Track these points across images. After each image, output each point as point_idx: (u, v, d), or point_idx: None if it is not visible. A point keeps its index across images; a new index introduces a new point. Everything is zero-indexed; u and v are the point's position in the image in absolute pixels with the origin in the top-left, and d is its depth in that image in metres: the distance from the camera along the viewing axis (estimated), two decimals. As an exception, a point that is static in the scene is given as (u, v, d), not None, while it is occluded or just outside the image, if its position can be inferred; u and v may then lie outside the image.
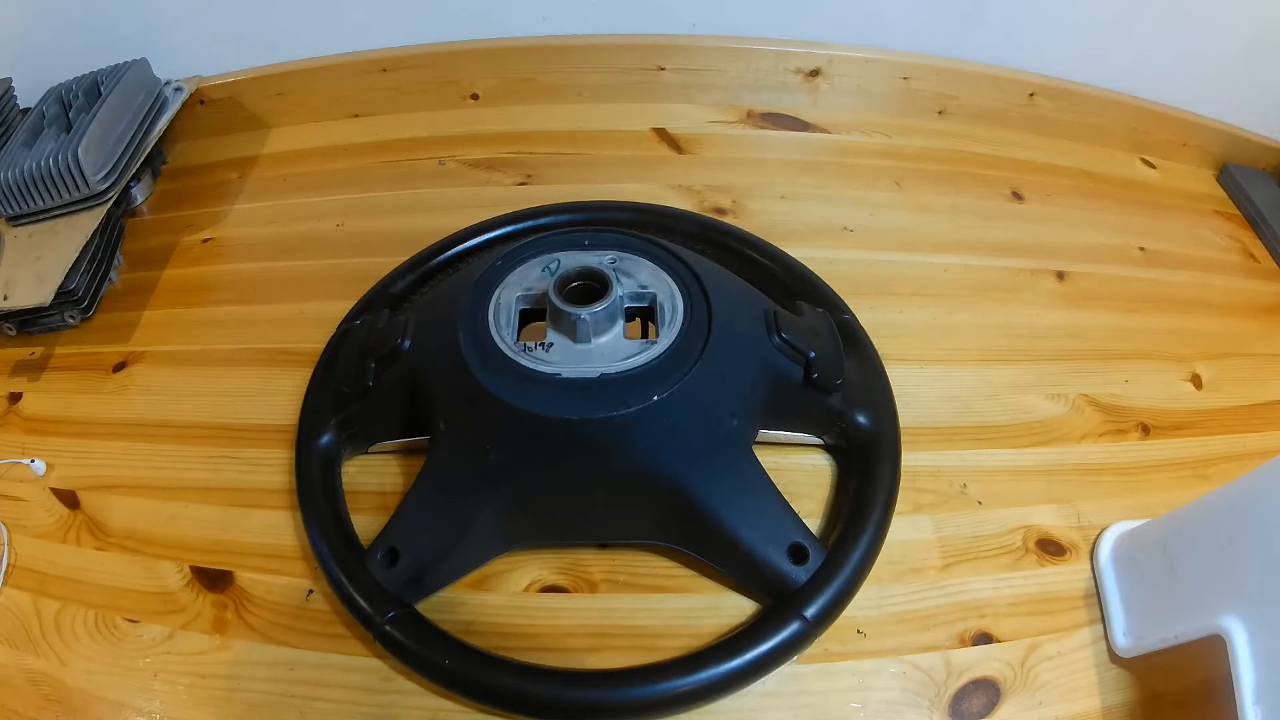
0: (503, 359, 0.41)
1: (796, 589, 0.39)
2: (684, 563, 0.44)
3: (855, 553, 0.41)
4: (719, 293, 0.45)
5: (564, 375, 0.40)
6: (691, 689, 0.37)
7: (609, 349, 0.42)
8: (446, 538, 0.41)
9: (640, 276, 0.46)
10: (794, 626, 0.38)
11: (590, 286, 0.44)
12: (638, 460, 0.40)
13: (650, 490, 0.40)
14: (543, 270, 0.46)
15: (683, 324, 0.43)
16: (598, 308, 0.42)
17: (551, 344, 0.42)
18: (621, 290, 0.44)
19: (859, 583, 0.41)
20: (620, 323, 0.43)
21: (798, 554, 0.40)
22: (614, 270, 0.45)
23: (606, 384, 0.40)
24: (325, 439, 0.46)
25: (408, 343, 0.46)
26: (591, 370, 0.40)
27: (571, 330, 0.42)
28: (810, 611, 0.39)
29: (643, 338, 0.43)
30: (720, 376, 0.42)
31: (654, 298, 0.44)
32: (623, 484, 0.41)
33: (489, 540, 0.42)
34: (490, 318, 0.44)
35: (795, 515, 0.41)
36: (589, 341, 0.42)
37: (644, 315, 0.45)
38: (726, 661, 0.37)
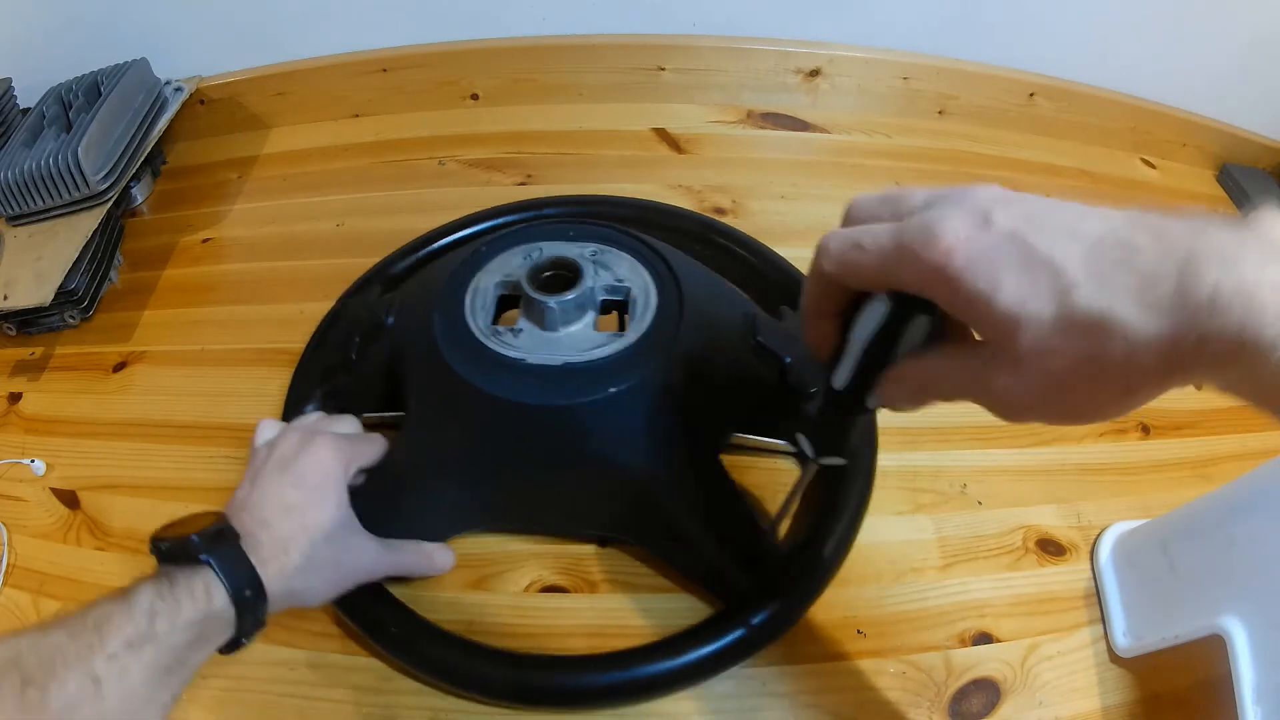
0: (473, 342, 0.42)
1: (747, 595, 0.39)
2: (684, 563, 0.44)
3: (812, 566, 0.41)
4: (695, 291, 0.44)
5: (529, 361, 0.41)
6: (622, 684, 0.38)
7: (577, 339, 0.42)
8: (406, 516, 0.42)
9: (619, 270, 0.45)
10: (737, 633, 0.38)
11: (564, 276, 0.44)
12: (592, 451, 0.40)
13: (605, 482, 0.40)
14: (524, 258, 0.46)
15: (653, 319, 0.43)
16: (567, 297, 0.42)
17: (521, 330, 0.43)
18: (593, 281, 0.44)
19: (814, 594, 0.41)
20: (591, 314, 0.43)
21: (751, 561, 0.40)
22: (593, 262, 0.45)
23: (568, 373, 0.40)
24: (310, 409, 0.47)
25: (391, 320, 0.47)
26: (556, 358, 0.41)
27: (541, 318, 0.42)
28: (757, 619, 0.38)
29: (619, 331, 0.43)
30: (685, 375, 0.41)
31: (628, 292, 0.44)
32: (577, 474, 0.41)
33: (446, 520, 0.43)
34: (467, 301, 0.44)
35: (755, 521, 0.42)
36: (557, 330, 0.42)
37: (620, 309, 0.45)
38: (661, 662, 0.38)
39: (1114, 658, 0.42)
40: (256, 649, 0.40)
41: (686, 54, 0.74)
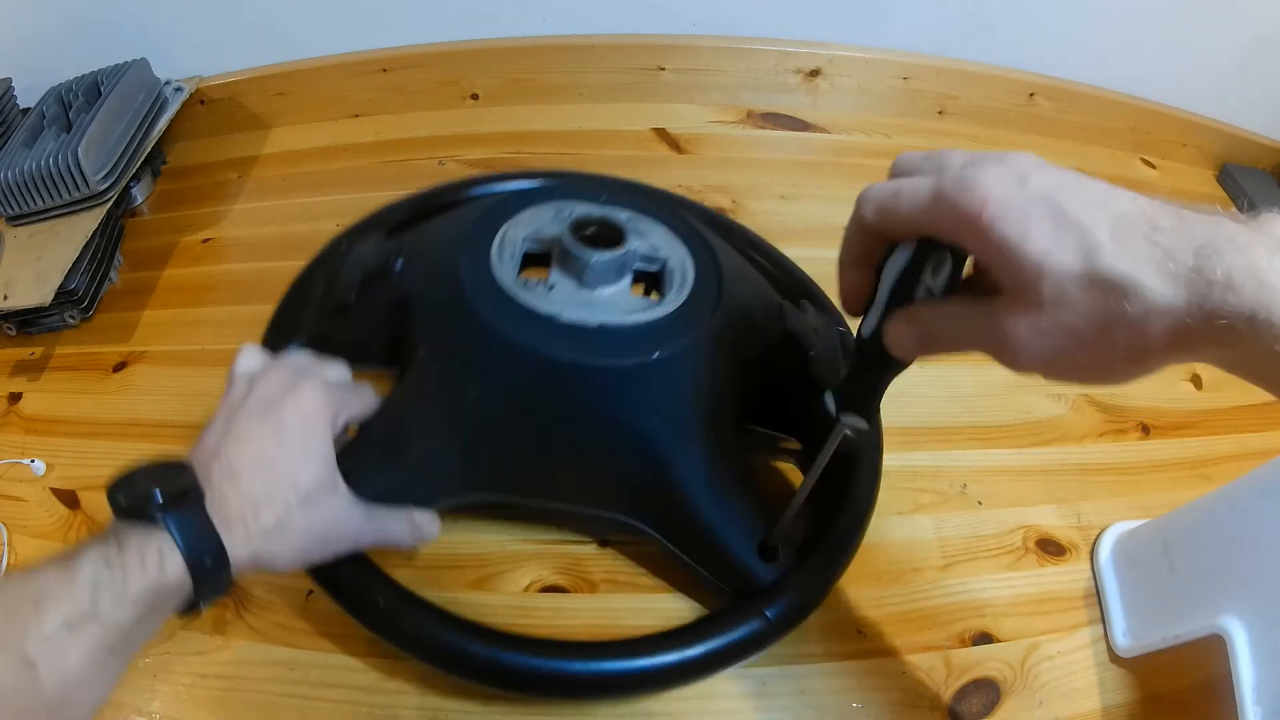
0: (500, 292, 0.39)
1: (762, 587, 0.38)
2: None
3: (826, 562, 0.40)
4: (730, 270, 0.44)
5: (563, 318, 0.39)
6: (632, 674, 0.36)
7: (613, 301, 0.40)
8: (404, 474, 0.39)
9: (654, 239, 0.44)
10: (754, 624, 0.37)
11: (604, 237, 0.42)
12: (624, 420, 0.38)
13: (629, 456, 0.39)
14: (555, 215, 0.44)
15: (692, 291, 0.41)
16: (609, 255, 0.40)
17: (554, 285, 0.40)
18: (635, 245, 0.42)
19: (826, 591, 0.40)
20: (628, 278, 0.42)
21: (768, 552, 0.39)
22: (629, 228, 0.43)
23: (607, 334, 0.38)
24: (293, 348, 0.44)
25: (400, 263, 0.44)
26: (592, 318, 0.39)
27: (579, 274, 0.40)
28: (772, 611, 0.37)
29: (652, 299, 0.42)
30: (721, 351, 0.40)
31: (665, 262, 0.43)
32: (603, 444, 0.39)
33: (449, 482, 0.40)
34: (494, 250, 0.42)
35: (771, 512, 0.41)
36: (594, 289, 0.40)
37: (650, 281, 0.44)
38: (675, 651, 0.36)
39: (1114, 658, 0.42)
40: (256, 649, 0.41)
41: (686, 54, 0.74)
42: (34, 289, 0.53)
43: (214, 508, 0.30)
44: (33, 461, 0.49)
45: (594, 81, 0.75)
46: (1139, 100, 0.75)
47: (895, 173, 0.28)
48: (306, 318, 0.46)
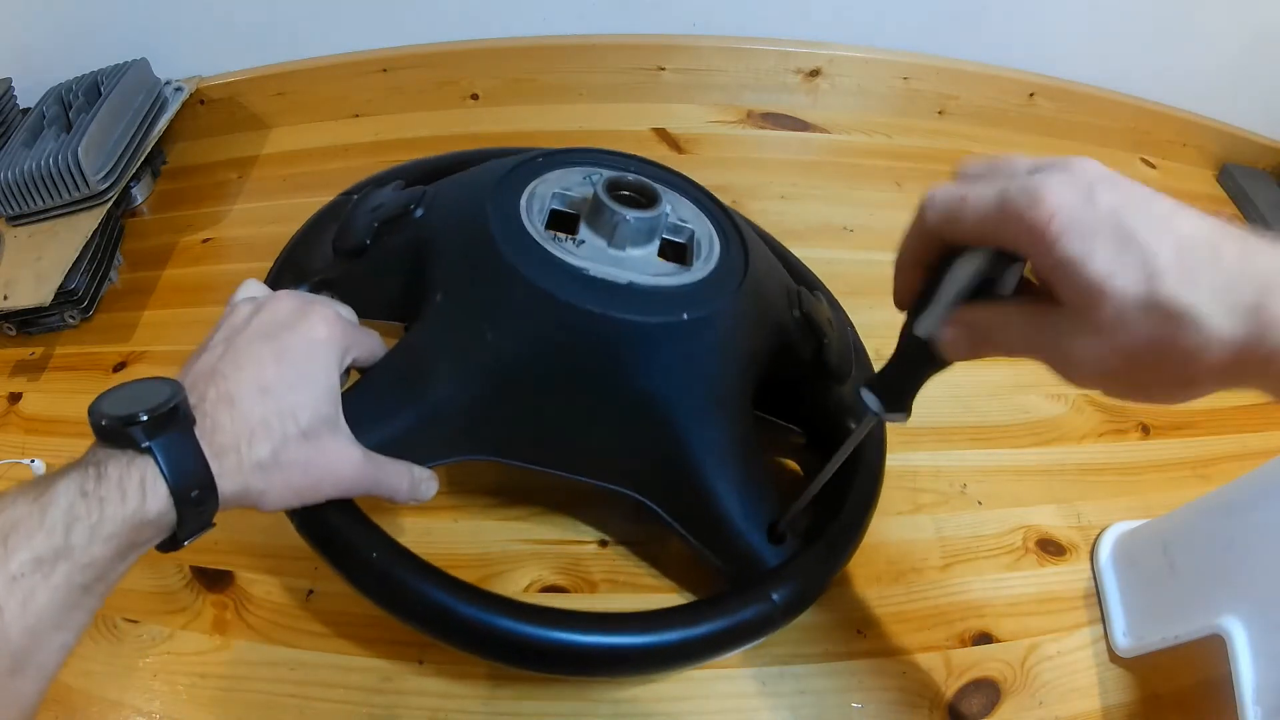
0: (528, 241, 0.39)
1: (768, 570, 0.37)
2: (683, 561, 0.44)
3: (833, 549, 0.40)
4: (755, 249, 0.44)
5: (590, 273, 0.38)
6: (639, 650, 0.34)
7: (641, 262, 0.40)
8: (409, 425, 0.37)
9: (681, 212, 0.44)
10: (761, 606, 0.36)
11: (637, 199, 0.42)
12: (644, 382, 0.37)
13: (646, 422, 0.38)
14: (584, 178, 0.44)
15: (718, 264, 0.41)
16: (643, 214, 0.40)
17: (583, 241, 0.40)
18: (667, 210, 0.42)
19: (830, 578, 0.39)
20: (656, 243, 0.42)
21: (775, 535, 0.39)
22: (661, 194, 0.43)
23: (635, 291, 0.38)
24: (303, 289, 0.43)
25: (421, 211, 0.43)
26: (621, 276, 0.38)
27: (610, 232, 0.40)
28: (778, 595, 0.36)
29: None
30: (744, 325, 0.40)
31: (692, 234, 0.43)
32: (620, 406, 0.38)
33: (454, 438, 0.39)
34: (522, 203, 0.41)
35: (777, 497, 0.40)
36: (623, 249, 0.40)
37: (674, 253, 0.43)
38: (683, 628, 0.34)
39: (1114, 658, 0.42)
40: (256, 649, 0.41)
41: (686, 54, 0.74)
42: (34, 289, 0.53)
43: (205, 434, 0.28)
44: (33, 461, 0.49)
45: (594, 81, 0.75)
46: (1139, 100, 0.75)
47: (960, 177, 0.28)
48: (315, 261, 0.46)
